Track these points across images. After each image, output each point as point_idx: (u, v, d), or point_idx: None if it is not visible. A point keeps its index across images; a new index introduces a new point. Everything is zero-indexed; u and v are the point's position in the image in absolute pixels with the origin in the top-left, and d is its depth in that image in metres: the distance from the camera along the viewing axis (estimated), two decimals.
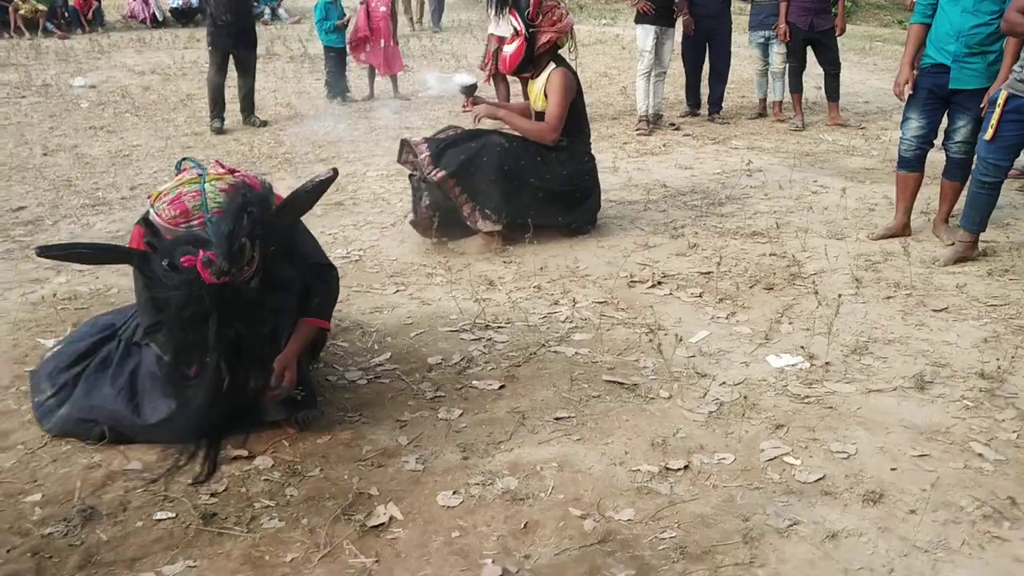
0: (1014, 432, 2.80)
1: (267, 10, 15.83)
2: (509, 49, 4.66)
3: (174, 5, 15.55)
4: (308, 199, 2.57)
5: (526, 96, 4.91)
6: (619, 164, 6.42)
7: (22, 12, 14.06)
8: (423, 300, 3.98)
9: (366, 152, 6.93)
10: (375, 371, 3.31)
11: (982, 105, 4.26)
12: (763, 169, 6.25)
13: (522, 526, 2.39)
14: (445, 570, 2.23)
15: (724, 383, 3.15)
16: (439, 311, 3.84)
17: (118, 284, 4.22)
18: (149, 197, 2.75)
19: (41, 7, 14.14)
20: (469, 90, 4.90)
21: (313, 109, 8.73)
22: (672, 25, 7.70)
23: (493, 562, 2.25)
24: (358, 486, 2.58)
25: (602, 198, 4.83)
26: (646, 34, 7.55)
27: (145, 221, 2.70)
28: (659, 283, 4.10)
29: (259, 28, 9.12)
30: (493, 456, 2.73)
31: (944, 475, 2.57)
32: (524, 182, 4.52)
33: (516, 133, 4.67)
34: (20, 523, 2.46)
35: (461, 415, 2.98)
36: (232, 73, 7.87)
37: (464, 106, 4.73)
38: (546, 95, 4.57)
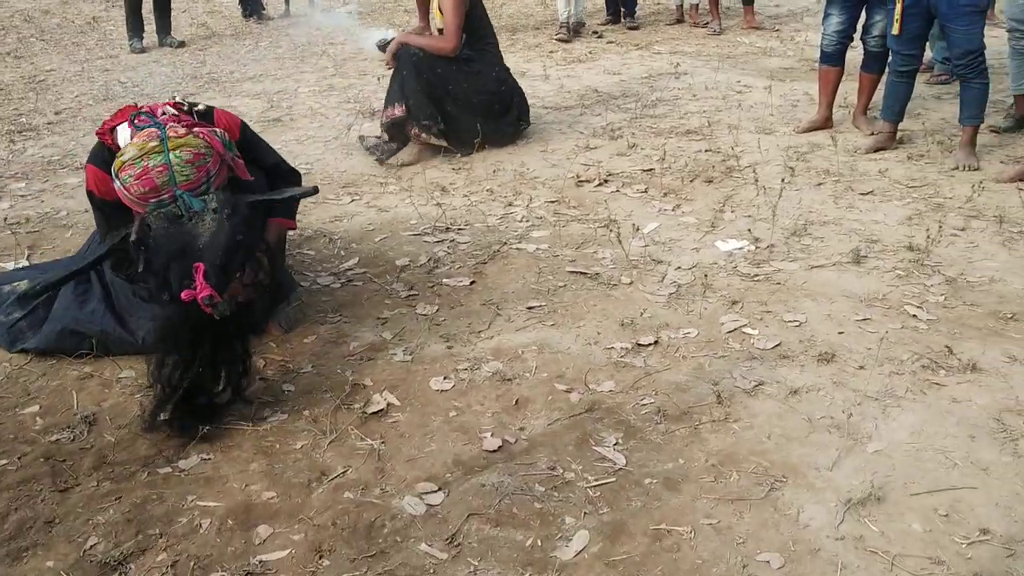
0: (942, 295, 3.09)
1: None
2: None
3: None
4: (284, 204, 2.88)
5: None
6: (549, 72, 6.51)
7: None
8: (380, 208, 4.07)
9: (293, 69, 6.84)
10: (346, 275, 3.41)
11: None
12: (688, 72, 6.44)
13: (513, 403, 2.57)
14: (449, 445, 2.40)
15: (679, 268, 3.37)
16: (398, 217, 3.94)
17: (66, 206, 4.18)
18: (101, 135, 2.71)
19: None
20: (388, 45, 4.82)
21: (230, 28, 8.51)
22: None
23: (492, 435, 2.43)
24: (352, 378, 2.71)
25: (538, 105, 4.92)
26: None
27: (99, 162, 2.68)
28: (605, 182, 4.27)
29: None
30: (475, 344, 2.89)
31: (885, 335, 2.84)
32: (445, 90, 4.59)
33: None
34: (24, 433, 2.53)
35: (438, 310, 3.12)
36: None
37: (387, 64, 4.73)
38: (441, 9, 4.60)
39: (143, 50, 7.52)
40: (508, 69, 4.89)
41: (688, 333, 2.90)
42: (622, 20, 8.39)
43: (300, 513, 2.16)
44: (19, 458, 2.41)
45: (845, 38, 4.86)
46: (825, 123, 5.02)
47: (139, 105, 2.86)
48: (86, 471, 2.36)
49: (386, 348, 2.89)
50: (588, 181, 4.28)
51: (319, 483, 2.27)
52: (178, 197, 2.46)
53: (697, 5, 8.30)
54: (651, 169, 4.41)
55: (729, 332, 2.91)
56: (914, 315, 2.96)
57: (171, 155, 2.46)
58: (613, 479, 2.24)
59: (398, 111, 4.59)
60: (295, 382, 2.72)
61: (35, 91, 6.40)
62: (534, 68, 6.63)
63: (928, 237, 3.42)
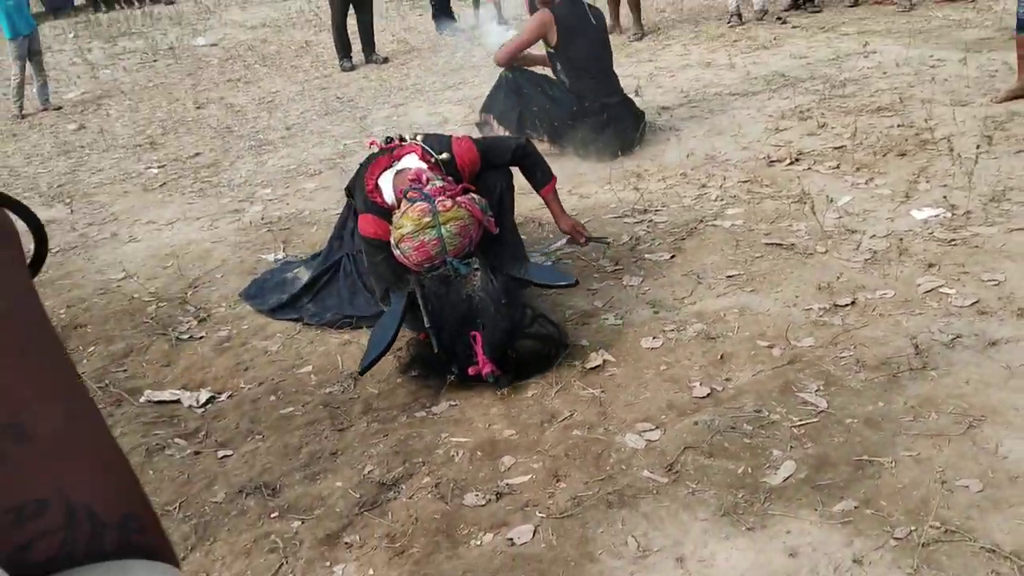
0: None
1: None
2: None
3: None
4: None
5: None
6: (735, 61, 6.66)
7: None
8: (581, 195, 4.42)
9: (488, 77, 7.29)
10: (555, 254, 3.78)
11: None
12: (878, 51, 6.41)
13: (719, 357, 2.83)
14: (661, 393, 2.70)
15: (874, 236, 3.50)
16: (599, 202, 4.28)
17: (307, 207, 4.80)
18: (371, 193, 3.14)
19: None
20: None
21: (427, 42, 9.17)
22: None
23: (701, 384, 2.70)
24: (571, 340, 3.06)
25: (725, 93, 5.06)
26: None
27: (372, 211, 3.13)
28: (796, 160, 4.43)
29: None
30: (680, 309, 3.17)
31: None
32: (530, 108, 4.92)
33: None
34: (303, 387, 3.04)
35: (643, 281, 3.42)
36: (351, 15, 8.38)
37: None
38: None
39: (353, 68, 8.28)
40: (603, 105, 4.90)
41: (885, 294, 3.06)
42: (802, 5, 8.36)
43: (537, 447, 2.53)
44: (303, 406, 2.92)
45: None
46: None
47: (391, 149, 3.26)
48: (357, 415, 2.83)
49: (598, 314, 3.22)
50: (779, 161, 4.45)
51: (550, 424, 2.63)
52: (448, 263, 2.92)
53: None
54: (842, 146, 4.52)
55: (926, 292, 3.03)
56: None
57: (442, 229, 2.90)
58: (816, 419, 2.46)
59: (483, 118, 5.11)
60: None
61: (267, 110, 7.22)
62: (719, 58, 6.80)
63: None
